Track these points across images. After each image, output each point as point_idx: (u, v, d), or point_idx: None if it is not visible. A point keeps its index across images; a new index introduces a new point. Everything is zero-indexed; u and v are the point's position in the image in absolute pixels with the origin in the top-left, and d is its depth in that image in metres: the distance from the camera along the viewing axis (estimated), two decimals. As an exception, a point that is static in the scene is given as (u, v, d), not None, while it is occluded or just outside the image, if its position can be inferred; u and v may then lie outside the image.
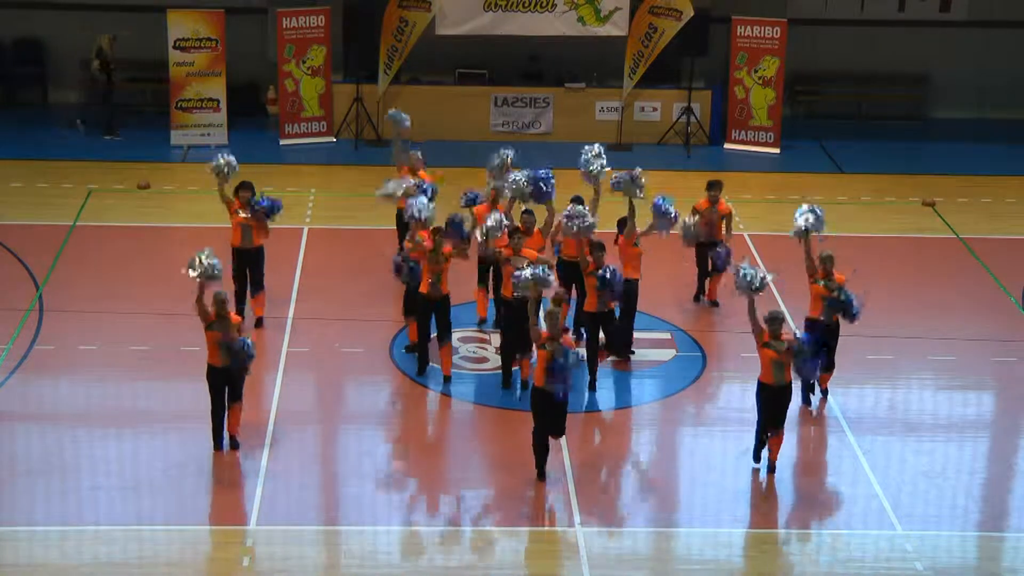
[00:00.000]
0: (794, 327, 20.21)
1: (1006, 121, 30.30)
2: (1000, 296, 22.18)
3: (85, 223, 24.05)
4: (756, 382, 17.22)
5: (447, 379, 19.13)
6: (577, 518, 16.38)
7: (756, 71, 28.26)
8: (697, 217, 21.07)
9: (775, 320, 17.09)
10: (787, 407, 17.21)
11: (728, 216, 21.33)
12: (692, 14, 27.59)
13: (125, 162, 26.90)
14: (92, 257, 22.72)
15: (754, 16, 28.33)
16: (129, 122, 28.31)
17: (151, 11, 28.37)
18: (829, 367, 18.74)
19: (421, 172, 21.21)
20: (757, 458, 17.34)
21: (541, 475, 17.02)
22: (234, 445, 17.38)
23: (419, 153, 21.35)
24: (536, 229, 19.67)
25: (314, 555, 15.83)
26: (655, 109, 28.82)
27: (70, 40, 29.42)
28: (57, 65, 29.66)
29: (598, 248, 18.79)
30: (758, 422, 17.25)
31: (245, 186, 20.33)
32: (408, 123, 21.62)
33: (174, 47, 27.55)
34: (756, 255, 23.19)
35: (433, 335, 19.24)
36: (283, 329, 20.50)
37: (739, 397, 19.08)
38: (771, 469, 17.30)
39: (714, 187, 21.33)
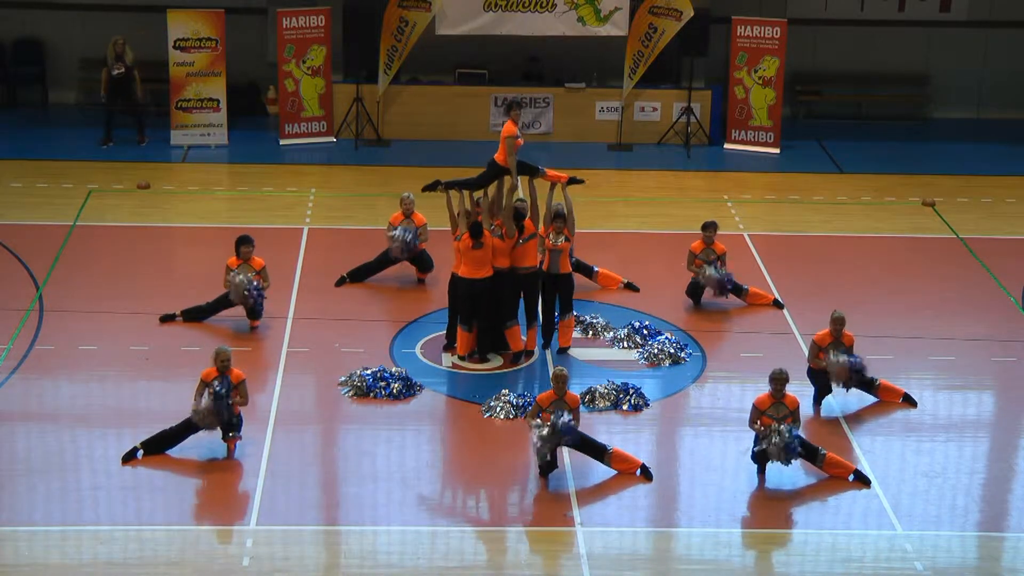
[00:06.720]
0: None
1: (1006, 121, 30.30)
2: (1000, 296, 22.16)
3: (85, 223, 24.03)
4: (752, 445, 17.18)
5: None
6: (577, 518, 16.38)
7: (756, 71, 28.25)
8: (711, 270, 21.06)
9: (779, 380, 16.93)
10: (803, 446, 17.04)
11: (723, 255, 21.20)
12: (692, 14, 27.56)
13: (125, 162, 26.90)
14: (92, 257, 22.70)
15: (754, 16, 28.33)
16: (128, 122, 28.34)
17: (151, 11, 28.37)
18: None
19: (415, 215, 21.67)
20: (761, 475, 17.32)
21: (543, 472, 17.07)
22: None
23: (412, 196, 21.66)
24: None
25: (314, 555, 15.82)
26: (655, 109, 28.80)
27: (70, 40, 29.44)
28: (57, 65, 29.65)
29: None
30: (754, 453, 17.22)
31: (245, 240, 20.37)
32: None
33: (174, 47, 27.55)
34: (755, 254, 23.19)
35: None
36: (283, 329, 20.50)
37: (739, 397, 19.07)
38: (864, 480, 17.17)
39: (709, 228, 21.12)
